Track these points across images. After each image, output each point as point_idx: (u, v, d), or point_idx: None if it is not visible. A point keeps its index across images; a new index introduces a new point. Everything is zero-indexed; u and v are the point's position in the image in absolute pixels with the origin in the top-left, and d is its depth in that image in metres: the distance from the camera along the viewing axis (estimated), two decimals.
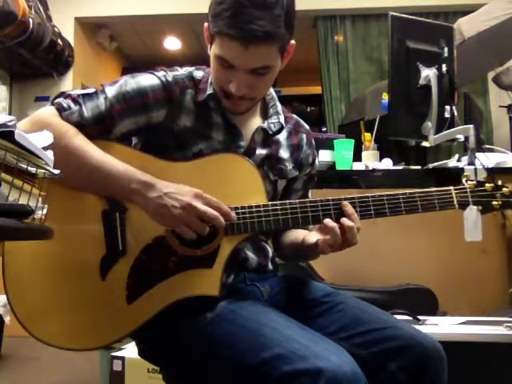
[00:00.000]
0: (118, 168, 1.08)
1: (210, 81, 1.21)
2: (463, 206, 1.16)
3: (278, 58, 1.13)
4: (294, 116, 1.37)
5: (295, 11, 1.12)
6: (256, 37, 1.05)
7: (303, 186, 1.35)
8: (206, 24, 1.15)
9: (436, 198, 1.14)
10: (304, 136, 1.34)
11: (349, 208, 1.11)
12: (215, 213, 1.07)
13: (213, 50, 1.13)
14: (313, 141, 1.37)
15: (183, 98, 1.19)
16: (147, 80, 1.17)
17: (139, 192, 1.07)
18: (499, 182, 1.17)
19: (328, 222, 1.09)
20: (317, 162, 1.38)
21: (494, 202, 1.15)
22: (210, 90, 1.20)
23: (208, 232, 1.09)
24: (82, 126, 1.11)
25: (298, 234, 1.25)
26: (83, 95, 1.14)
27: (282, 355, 0.94)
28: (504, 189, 1.16)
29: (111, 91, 1.15)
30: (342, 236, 1.09)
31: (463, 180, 1.17)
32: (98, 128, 1.13)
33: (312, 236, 1.15)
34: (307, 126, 1.38)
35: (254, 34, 1.04)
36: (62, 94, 1.15)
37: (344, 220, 1.09)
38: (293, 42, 1.15)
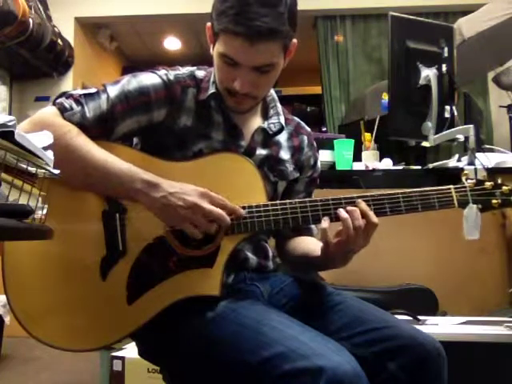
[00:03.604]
0: (121, 167, 1.08)
1: (212, 80, 1.21)
2: (463, 204, 1.15)
3: (281, 56, 1.14)
4: (295, 118, 1.37)
5: (297, 9, 1.12)
6: (261, 33, 1.05)
7: (305, 188, 1.35)
8: (208, 23, 1.15)
9: (436, 197, 1.14)
10: (305, 138, 1.34)
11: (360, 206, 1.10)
12: (221, 212, 1.07)
13: (217, 49, 1.13)
14: (314, 143, 1.37)
15: (184, 97, 1.19)
16: (149, 79, 1.17)
17: (143, 192, 1.07)
18: (498, 181, 1.17)
19: (340, 211, 1.09)
20: (319, 163, 1.38)
21: (494, 201, 1.15)
22: (212, 89, 1.20)
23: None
24: (84, 126, 1.11)
25: (308, 247, 1.24)
26: (85, 95, 1.14)
27: (283, 354, 0.94)
28: (503, 187, 1.16)
29: (113, 91, 1.15)
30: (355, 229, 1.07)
31: (463, 179, 1.17)
32: (100, 128, 1.13)
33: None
34: (308, 128, 1.38)
35: (259, 31, 1.05)
36: (64, 94, 1.15)
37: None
38: (295, 40, 1.16)
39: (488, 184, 1.16)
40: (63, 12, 4.89)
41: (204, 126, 1.20)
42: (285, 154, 1.29)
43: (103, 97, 1.14)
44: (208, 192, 1.08)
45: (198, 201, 1.06)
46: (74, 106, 1.12)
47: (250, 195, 1.13)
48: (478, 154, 2.23)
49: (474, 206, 1.15)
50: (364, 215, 1.08)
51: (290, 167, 1.29)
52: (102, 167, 1.08)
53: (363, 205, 1.10)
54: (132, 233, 1.11)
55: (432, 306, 2.05)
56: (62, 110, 1.11)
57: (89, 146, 1.09)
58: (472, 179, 1.17)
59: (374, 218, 1.09)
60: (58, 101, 1.13)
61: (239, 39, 1.06)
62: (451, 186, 1.16)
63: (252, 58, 1.09)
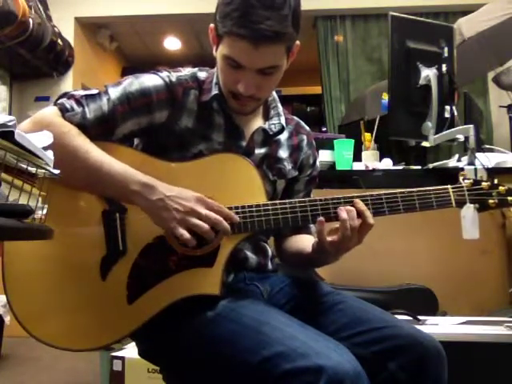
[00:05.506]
0: (118, 169, 1.08)
1: (214, 81, 1.21)
2: (460, 204, 1.16)
3: (285, 58, 1.14)
4: (295, 118, 1.38)
5: (301, 11, 1.13)
6: (266, 36, 1.05)
7: (305, 187, 1.35)
8: (211, 25, 1.15)
9: (434, 197, 1.15)
10: (304, 137, 1.35)
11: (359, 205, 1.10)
12: (218, 217, 1.07)
13: (220, 51, 1.13)
14: (313, 142, 1.38)
15: (186, 98, 1.19)
16: (151, 80, 1.17)
17: (140, 194, 1.07)
18: (495, 181, 1.18)
19: (341, 211, 1.09)
20: (318, 163, 1.38)
21: (491, 201, 1.16)
22: (215, 91, 1.20)
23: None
24: (84, 127, 1.11)
25: (304, 244, 1.25)
26: (86, 96, 1.14)
27: (283, 353, 0.94)
28: (500, 187, 1.17)
29: (114, 93, 1.15)
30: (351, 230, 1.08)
31: (460, 178, 1.17)
32: (101, 129, 1.13)
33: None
34: (308, 128, 1.39)
35: (263, 34, 1.05)
36: (65, 95, 1.15)
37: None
38: (297, 42, 1.16)
39: (485, 184, 1.17)
40: (63, 12, 4.89)
41: (205, 127, 1.20)
42: (283, 153, 1.29)
43: (104, 98, 1.14)
44: (204, 197, 1.08)
45: (195, 206, 1.06)
46: (75, 106, 1.12)
47: (250, 195, 1.13)
48: (478, 154, 2.23)
49: (472, 205, 1.16)
50: (360, 215, 1.09)
51: (288, 165, 1.29)
52: (99, 169, 1.08)
53: (360, 205, 1.10)
54: (132, 232, 1.11)
55: (432, 306, 2.06)
56: (63, 111, 1.11)
57: (87, 146, 1.09)
58: (469, 179, 1.17)
59: (370, 219, 1.09)
60: (59, 101, 1.13)
61: (243, 42, 1.06)
62: (449, 186, 1.16)
63: (256, 61, 1.09)
